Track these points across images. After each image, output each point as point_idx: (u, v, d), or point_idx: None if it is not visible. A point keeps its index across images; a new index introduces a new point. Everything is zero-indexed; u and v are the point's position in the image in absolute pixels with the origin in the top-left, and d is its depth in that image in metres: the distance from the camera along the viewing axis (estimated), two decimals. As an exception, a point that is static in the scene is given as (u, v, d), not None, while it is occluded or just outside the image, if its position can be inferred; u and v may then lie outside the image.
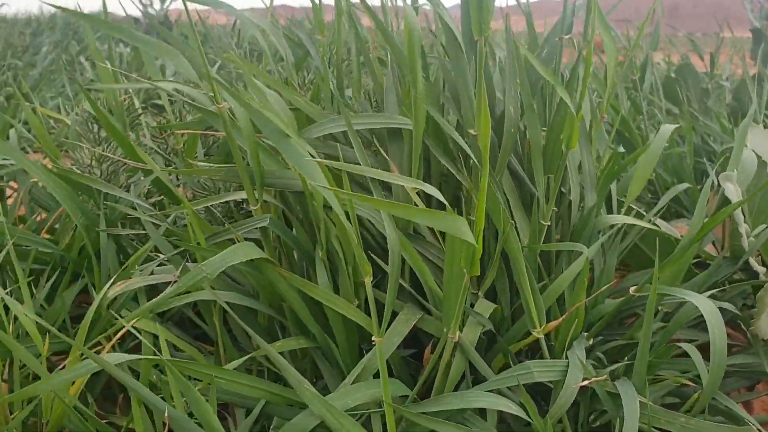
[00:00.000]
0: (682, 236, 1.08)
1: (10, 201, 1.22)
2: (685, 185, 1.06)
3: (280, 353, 0.82)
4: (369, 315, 0.81)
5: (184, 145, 1.16)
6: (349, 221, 0.70)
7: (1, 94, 2.10)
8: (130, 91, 1.34)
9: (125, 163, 1.01)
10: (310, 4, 1.00)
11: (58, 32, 5.18)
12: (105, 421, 0.86)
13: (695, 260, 1.11)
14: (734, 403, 0.81)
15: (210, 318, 0.82)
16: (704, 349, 0.87)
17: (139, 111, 1.23)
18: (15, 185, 1.24)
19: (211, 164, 0.94)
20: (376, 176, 0.62)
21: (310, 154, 0.74)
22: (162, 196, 1.06)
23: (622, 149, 0.94)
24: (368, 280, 0.68)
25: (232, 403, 0.80)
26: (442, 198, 0.70)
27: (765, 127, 1.27)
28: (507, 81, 0.83)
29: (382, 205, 0.65)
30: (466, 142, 0.85)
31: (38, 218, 1.18)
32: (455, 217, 0.61)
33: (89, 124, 1.18)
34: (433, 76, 0.89)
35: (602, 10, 0.98)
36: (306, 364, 0.84)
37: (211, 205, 0.94)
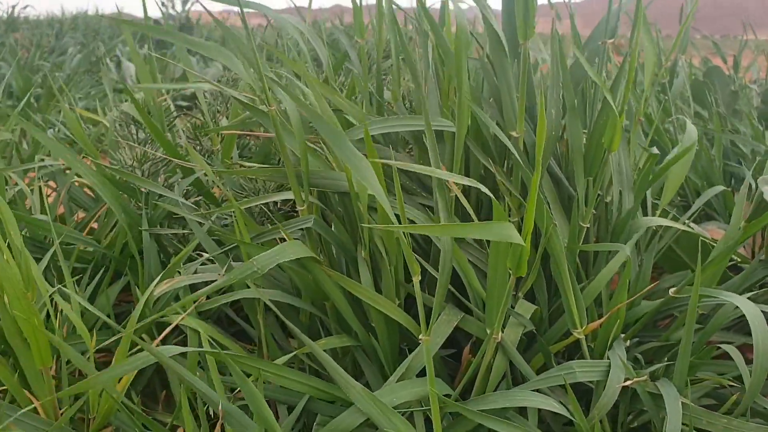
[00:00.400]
0: (713, 239, 1.08)
1: (49, 200, 1.24)
2: (720, 188, 1.07)
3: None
4: (410, 314, 0.82)
5: (220, 145, 1.18)
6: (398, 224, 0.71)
7: (32, 95, 2.13)
8: (164, 92, 1.36)
9: (165, 164, 1.03)
10: (327, 6, 1.01)
11: (80, 33, 5.25)
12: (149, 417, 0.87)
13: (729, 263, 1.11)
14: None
15: (253, 315, 0.84)
16: (741, 352, 0.88)
17: (175, 113, 1.25)
18: (53, 185, 1.26)
19: (253, 165, 0.96)
20: (423, 171, 0.63)
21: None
22: (200, 197, 1.08)
23: (655, 150, 0.94)
24: (416, 280, 0.69)
25: (274, 399, 0.82)
26: (487, 191, 0.71)
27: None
28: (551, 83, 0.83)
29: (440, 230, 0.67)
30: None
31: (77, 217, 1.20)
32: (504, 225, 0.62)
33: (127, 125, 1.20)
34: (473, 78, 0.90)
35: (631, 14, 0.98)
36: (347, 362, 0.86)
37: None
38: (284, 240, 0.80)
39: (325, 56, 1.03)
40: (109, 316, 0.96)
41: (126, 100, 1.95)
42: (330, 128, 0.70)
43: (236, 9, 0.85)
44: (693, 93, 1.91)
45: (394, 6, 0.94)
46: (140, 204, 0.99)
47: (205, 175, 1.19)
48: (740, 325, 1.04)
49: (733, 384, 0.84)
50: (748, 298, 0.93)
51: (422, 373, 0.84)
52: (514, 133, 0.83)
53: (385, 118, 0.86)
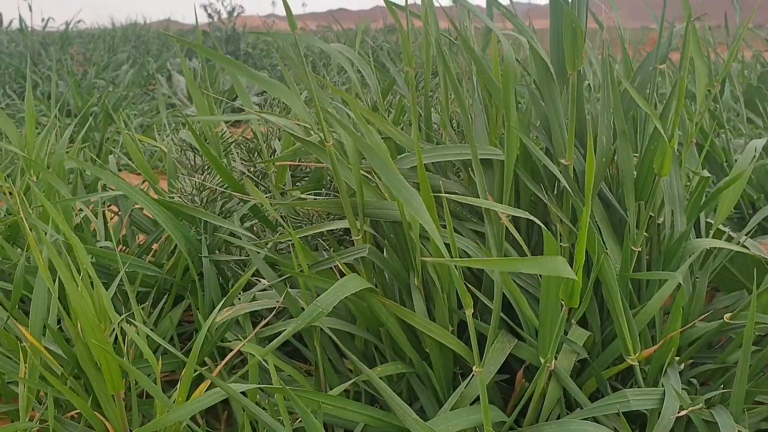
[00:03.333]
0: (771, 255, 1.06)
1: (112, 222, 1.30)
2: (778, 206, 1.05)
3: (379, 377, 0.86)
4: (463, 341, 0.84)
5: (273, 170, 1.21)
6: (449, 254, 0.73)
7: (90, 115, 2.22)
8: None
9: (223, 190, 1.07)
10: (367, 8, 1.03)
11: (131, 45, 5.41)
12: (212, 437, 0.91)
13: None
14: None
15: (311, 342, 0.87)
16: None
17: (230, 139, 1.29)
18: (115, 209, 1.32)
19: (309, 194, 0.99)
20: (474, 203, 0.64)
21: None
22: (256, 220, 1.12)
23: (706, 173, 0.94)
24: (469, 312, 0.70)
25: (332, 424, 0.84)
26: (537, 221, 0.72)
27: None
28: (601, 109, 0.84)
29: (492, 263, 0.68)
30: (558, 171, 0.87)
31: (139, 240, 1.26)
32: (555, 260, 0.63)
33: (184, 150, 1.24)
34: (523, 106, 0.91)
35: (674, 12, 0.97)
36: (402, 387, 0.88)
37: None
38: (339, 266, 0.82)
39: (373, 83, 1.06)
40: (172, 338, 1.00)
41: (177, 117, 2.01)
42: (381, 161, 0.72)
43: (280, 13, 0.88)
44: (746, 98, 1.87)
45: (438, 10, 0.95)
46: (200, 230, 1.04)
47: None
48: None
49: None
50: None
51: (476, 400, 0.85)
52: (563, 161, 0.84)
53: (435, 147, 0.88)
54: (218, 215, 1.07)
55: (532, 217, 0.69)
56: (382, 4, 0.99)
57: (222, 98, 1.36)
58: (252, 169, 1.30)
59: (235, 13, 5.33)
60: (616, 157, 0.89)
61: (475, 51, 0.81)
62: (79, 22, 6.42)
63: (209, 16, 5.24)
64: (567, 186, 0.80)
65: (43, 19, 5.29)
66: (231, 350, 0.86)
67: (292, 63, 0.79)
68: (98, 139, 1.90)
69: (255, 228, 1.16)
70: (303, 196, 1.02)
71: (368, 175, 0.89)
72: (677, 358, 0.89)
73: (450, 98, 0.97)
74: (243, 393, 0.70)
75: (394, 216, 0.82)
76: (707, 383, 0.96)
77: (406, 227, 0.80)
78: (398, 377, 0.89)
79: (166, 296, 1.03)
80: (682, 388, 0.84)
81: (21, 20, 4.91)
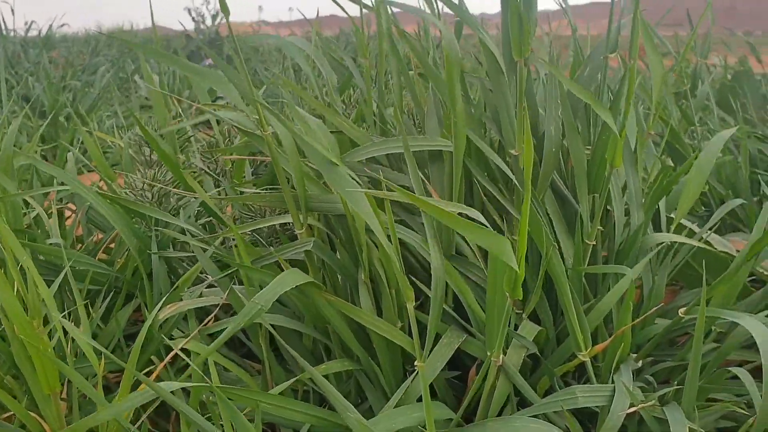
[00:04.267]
0: (738, 252, 1.04)
1: (68, 222, 1.27)
2: (740, 201, 1.03)
3: (325, 375, 0.83)
4: (412, 337, 0.81)
5: (233, 165, 1.19)
6: (392, 247, 0.70)
7: (62, 115, 2.18)
8: (181, 112, 1.37)
9: (172, 187, 1.05)
10: (359, 14, 1.01)
11: (115, 50, 5.38)
12: (158, 437, 0.88)
13: (752, 278, 1.08)
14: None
15: (256, 339, 0.84)
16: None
17: (189, 133, 1.27)
18: (73, 207, 1.29)
19: (257, 188, 0.97)
20: (417, 203, 0.62)
21: (353, 178, 0.75)
22: (210, 218, 1.09)
23: (671, 163, 0.92)
24: (411, 306, 0.68)
25: (279, 424, 0.82)
26: (484, 220, 0.70)
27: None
28: (548, 102, 0.82)
29: (431, 209, 0.64)
30: (508, 163, 0.85)
31: (95, 239, 1.23)
32: (499, 237, 0.61)
33: (140, 147, 1.22)
34: (476, 97, 0.89)
35: (653, 16, 0.96)
36: (351, 386, 0.85)
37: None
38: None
39: (331, 77, 1.04)
40: (121, 338, 0.97)
41: (151, 117, 1.99)
42: (320, 156, 0.70)
43: (269, 19, 0.86)
44: (720, 98, 1.86)
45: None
46: (151, 227, 1.01)
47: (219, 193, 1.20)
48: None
49: (750, 406, 0.81)
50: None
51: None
52: (513, 152, 0.82)
53: (385, 140, 0.86)
54: (171, 211, 1.05)
55: (468, 209, 0.67)
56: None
57: (186, 100, 1.34)
58: (213, 166, 1.28)
59: (219, 18, 5.31)
60: (570, 152, 0.87)
61: (413, 42, 0.79)
62: (63, 26, 6.37)
63: (193, 20, 5.23)
64: (513, 177, 0.78)
65: (26, 23, 5.26)
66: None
67: (234, 57, 0.77)
68: (66, 140, 1.87)
69: (213, 223, 1.14)
70: (258, 191, 1.00)
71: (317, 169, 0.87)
72: (634, 356, 0.87)
73: (404, 90, 0.95)
74: (187, 390, 0.68)
75: (339, 209, 0.80)
76: (668, 381, 0.94)
77: (350, 220, 0.78)
78: (348, 376, 0.86)
79: (114, 294, 1.00)
80: (639, 386, 0.82)
81: (2, 22, 4.86)
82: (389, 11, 0.95)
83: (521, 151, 0.82)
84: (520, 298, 0.70)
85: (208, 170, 1.26)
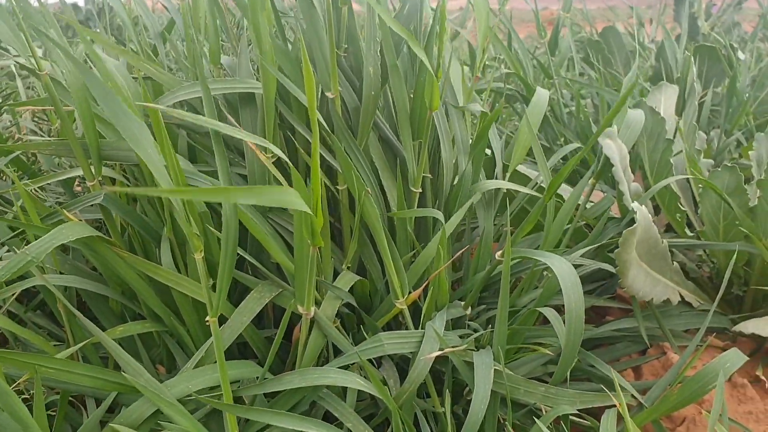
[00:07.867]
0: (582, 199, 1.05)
1: None
2: (574, 146, 1.03)
3: (131, 339, 0.77)
4: (234, 298, 0.76)
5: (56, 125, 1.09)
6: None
7: None
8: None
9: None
10: None
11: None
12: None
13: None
14: (608, 367, 0.79)
15: (53, 304, 0.77)
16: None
17: (8, 90, 1.15)
18: None
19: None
20: (209, 125, 0.56)
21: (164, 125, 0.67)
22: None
23: (479, 107, 0.89)
24: (199, 257, 0.63)
25: (84, 393, 0.75)
26: (284, 157, 0.66)
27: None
28: (366, 37, 0.78)
29: (201, 193, 0.59)
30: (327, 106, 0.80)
31: None
32: (282, 190, 0.56)
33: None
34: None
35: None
36: (162, 350, 0.79)
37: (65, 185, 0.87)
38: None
39: (153, 24, 0.96)
40: None
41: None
42: (102, 88, 0.63)
43: None
44: (585, 54, 1.89)
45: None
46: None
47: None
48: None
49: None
50: (593, 255, 0.91)
51: (234, 356, 0.79)
52: (329, 94, 0.77)
53: (194, 83, 0.79)
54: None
55: (268, 145, 0.62)
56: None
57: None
58: (47, 128, 1.17)
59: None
60: (393, 95, 0.84)
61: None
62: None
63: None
64: (322, 121, 0.73)
65: None
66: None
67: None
68: None
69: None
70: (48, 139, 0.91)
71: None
72: (462, 303, 0.85)
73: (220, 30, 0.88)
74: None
75: (134, 158, 0.73)
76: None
77: (145, 170, 0.71)
78: (159, 339, 0.80)
79: None
80: (465, 334, 0.81)
81: None
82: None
83: (337, 94, 0.78)
84: (321, 245, 0.66)
85: (38, 131, 1.15)
